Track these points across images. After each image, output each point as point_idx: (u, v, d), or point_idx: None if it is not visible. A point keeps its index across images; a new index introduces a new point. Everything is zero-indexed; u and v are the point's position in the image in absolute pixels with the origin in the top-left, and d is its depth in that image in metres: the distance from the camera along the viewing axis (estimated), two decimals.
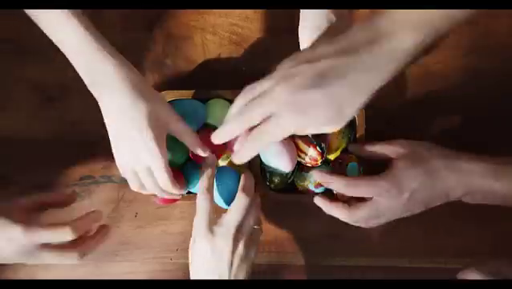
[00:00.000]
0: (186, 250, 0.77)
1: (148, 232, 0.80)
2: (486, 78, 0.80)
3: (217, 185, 0.70)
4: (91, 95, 0.80)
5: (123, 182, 0.80)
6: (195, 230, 0.66)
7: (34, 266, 0.81)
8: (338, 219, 0.80)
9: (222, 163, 0.76)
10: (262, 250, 0.80)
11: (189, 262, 0.67)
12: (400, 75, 0.79)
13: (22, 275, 0.81)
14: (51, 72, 0.80)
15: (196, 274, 0.66)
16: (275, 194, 0.77)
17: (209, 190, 0.67)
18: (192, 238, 0.67)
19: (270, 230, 0.81)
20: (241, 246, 0.65)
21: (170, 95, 0.77)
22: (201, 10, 0.80)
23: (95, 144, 0.80)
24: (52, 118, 0.80)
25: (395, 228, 0.80)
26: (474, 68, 0.80)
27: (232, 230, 0.65)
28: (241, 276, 0.66)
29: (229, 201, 0.69)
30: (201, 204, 0.66)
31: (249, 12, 0.80)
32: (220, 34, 0.80)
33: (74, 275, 0.81)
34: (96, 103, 0.80)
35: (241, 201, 0.66)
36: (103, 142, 0.79)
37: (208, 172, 0.68)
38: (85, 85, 0.80)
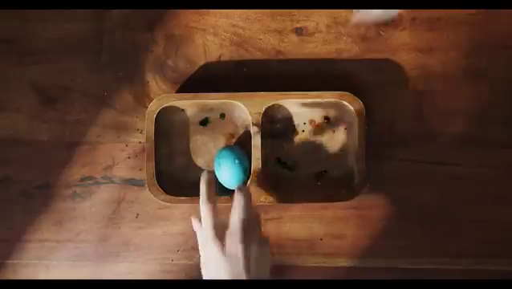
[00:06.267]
0: (187, 250, 0.77)
1: (149, 233, 0.80)
2: (487, 78, 0.80)
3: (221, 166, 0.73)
4: (91, 95, 0.80)
5: (124, 183, 0.80)
6: (204, 241, 0.68)
7: (34, 266, 0.81)
8: (340, 219, 0.80)
9: None
10: None
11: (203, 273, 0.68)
12: (400, 75, 0.80)
13: (22, 275, 0.81)
14: (51, 73, 0.80)
15: (210, 274, 0.67)
16: (276, 194, 0.77)
17: (211, 198, 0.68)
18: (201, 249, 0.69)
19: (272, 231, 0.81)
20: (254, 248, 0.66)
21: (171, 98, 0.77)
22: (202, 11, 0.80)
23: (95, 144, 0.80)
24: (52, 119, 0.80)
25: (396, 229, 0.80)
26: (474, 69, 0.80)
27: (239, 232, 0.66)
28: (264, 275, 0.67)
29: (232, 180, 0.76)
30: (205, 214, 0.68)
31: (250, 13, 0.80)
32: (221, 35, 0.80)
33: (74, 275, 0.81)
34: (96, 103, 0.80)
35: (239, 200, 0.67)
36: (103, 143, 0.80)
37: (207, 179, 0.69)
38: (85, 86, 0.80)
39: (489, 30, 0.80)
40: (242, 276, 0.64)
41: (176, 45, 0.80)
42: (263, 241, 0.68)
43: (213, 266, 0.66)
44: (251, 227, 0.67)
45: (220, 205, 0.78)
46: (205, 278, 0.67)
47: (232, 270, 0.64)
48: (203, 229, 0.68)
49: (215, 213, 0.68)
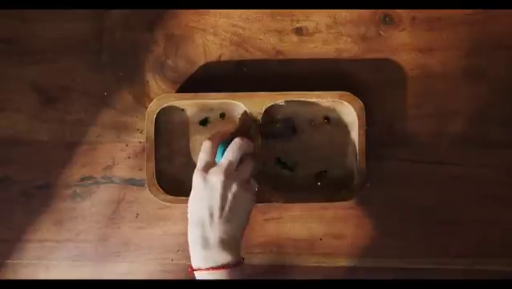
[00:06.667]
0: (187, 250, 0.77)
1: (149, 233, 0.80)
2: (486, 78, 0.80)
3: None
4: (91, 95, 0.80)
5: (124, 183, 0.81)
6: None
7: (34, 266, 0.81)
8: (340, 219, 0.80)
9: None
10: (262, 250, 0.81)
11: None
12: (400, 75, 0.80)
13: (22, 275, 0.81)
14: (51, 73, 0.80)
15: (190, 207, 0.70)
16: (276, 194, 0.77)
17: (216, 139, 0.73)
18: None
19: (271, 231, 0.81)
20: (234, 185, 0.68)
21: (171, 98, 0.77)
22: (202, 11, 0.80)
23: (95, 144, 0.80)
24: (52, 119, 0.80)
25: (396, 229, 0.80)
26: (474, 69, 0.80)
27: (224, 166, 0.69)
28: (234, 222, 0.68)
29: None
30: (205, 145, 0.72)
31: (250, 13, 0.80)
32: (221, 34, 0.80)
33: (74, 275, 0.81)
34: (96, 103, 0.80)
35: (234, 142, 0.71)
36: (103, 143, 0.80)
37: (222, 131, 0.76)
38: (85, 86, 0.80)
39: (488, 30, 0.80)
40: (217, 206, 0.67)
41: (176, 45, 0.80)
42: (247, 185, 0.71)
43: (196, 196, 0.70)
44: (240, 170, 0.71)
45: None
46: (189, 209, 0.70)
47: (209, 198, 0.68)
48: (198, 158, 0.72)
49: (212, 154, 0.71)
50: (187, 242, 0.80)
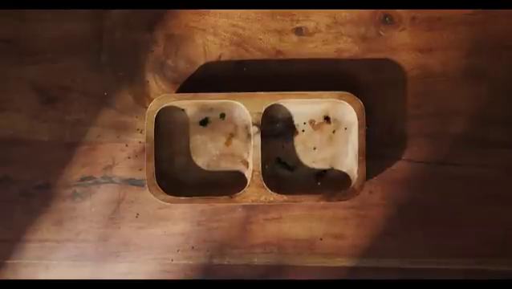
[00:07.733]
0: (187, 250, 0.77)
1: (149, 233, 0.80)
2: (487, 78, 0.80)
3: None
4: (91, 95, 0.80)
5: (124, 183, 0.81)
6: None
7: (34, 266, 0.81)
8: (340, 219, 0.80)
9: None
10: (262, 250, 0.81)
11: None
12: (400, 75, 0.80)
13: (22, 275, 0.81)
14: (51, 73, 0.80)
15: None
16: (276, 194, 0.77)
17: None
18: None
19: (271, 231, 0.81)
20: None
21: (171, 98, 0.77)
22: (202, 11, 0.80)
23: (95, 144, 0.80)
24: (52, 119, 0.80)
25: (396, 229, 0.80)
26: (474, 69, 0.80)
27: None
28: None
29: None
30: None
31: (250, 13, 0.80)
32: (221, 35, 0.80)
33: (74, 275, 0.81)
34: (96, 103, 0.80)
35: None
36: (103, 143, 0.80)
37: None
38: (85, 86, 0.80)
39: (489, 30, 0.80)
40: None
41: (176, 45, 0.80)
42: None
43: None
44: None
45: (220, 206, 0.79)
46: None
47: None
48: None
49: None
50: (187, 242, 0.80)
